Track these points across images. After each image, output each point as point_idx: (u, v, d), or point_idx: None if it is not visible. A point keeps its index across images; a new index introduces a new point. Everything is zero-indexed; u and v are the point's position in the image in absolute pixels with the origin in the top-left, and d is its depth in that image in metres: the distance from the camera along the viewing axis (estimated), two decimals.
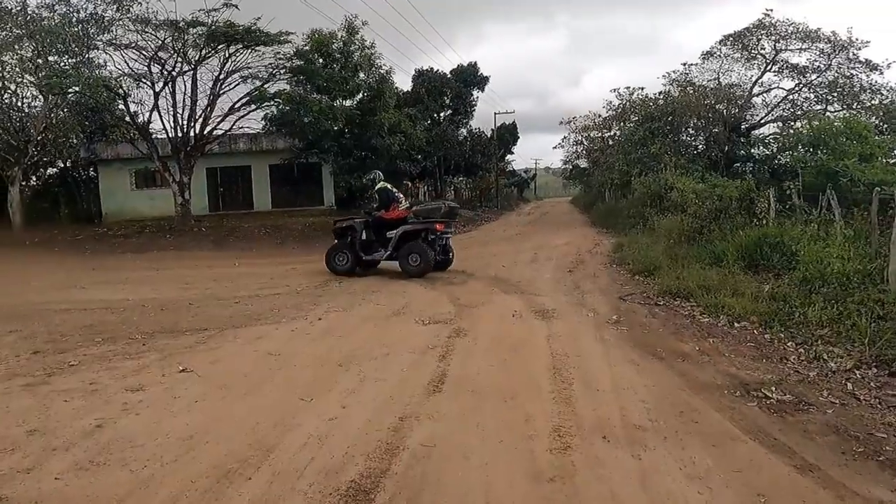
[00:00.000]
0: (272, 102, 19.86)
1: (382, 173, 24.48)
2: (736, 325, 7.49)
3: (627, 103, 29.10)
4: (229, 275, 12.88)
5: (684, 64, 27.66)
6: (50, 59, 18.90)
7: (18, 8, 18.10)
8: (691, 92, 25.68)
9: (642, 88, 28.74)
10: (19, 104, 20.30)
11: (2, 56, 18.11)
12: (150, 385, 5.60)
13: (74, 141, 22.57)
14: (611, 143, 31.63)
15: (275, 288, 10.79)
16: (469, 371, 5.94)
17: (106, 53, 18.76)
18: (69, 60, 19.06)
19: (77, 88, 17.81)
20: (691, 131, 25.90)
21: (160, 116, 19.53)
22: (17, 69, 18.94)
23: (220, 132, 20.39)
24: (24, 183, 27.22)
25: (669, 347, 6.71)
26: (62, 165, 28.75)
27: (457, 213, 13.20)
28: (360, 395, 5.29)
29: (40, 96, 20.07)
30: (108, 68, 19.31)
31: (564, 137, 41.30)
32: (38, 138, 20.23)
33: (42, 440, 4.43)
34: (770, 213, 11.91)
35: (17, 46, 18.24)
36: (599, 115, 34.77)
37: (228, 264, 14.76)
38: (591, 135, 36.69)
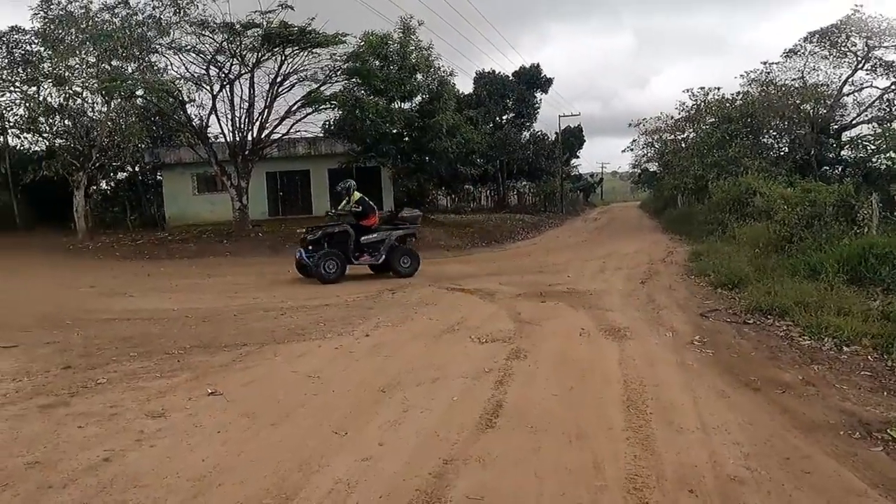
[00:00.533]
0: (328, 105, 19.54)
1: (438, 177, 24.37)
2: (845, 349, 6.41)
3: (702, 104, 27.73)
4: (280, 282, 12.48)
5: (764, 63, 25.95)
6: (114, 63, 19.13)
7: (82, 12, 18.39)
8: (773, 91, 24.03)
9: (718, 88, 27.35)
10: (87, 109, 20.66)
11: (68, 61, 18.42)
12: (174, 410, 5.06)
13: (141, 146, 22.95)
14: (684, 145, 30.09)
15: (325, 298, 10.25)
16: (528, 401, 5.15)
17: (165, 57, 18.85)
18: (132, 65, 19.26)
19: (140, 92, 18.01)
20: (773, 133, 24.23)
21: (218, 120, 19.59)
22: (83, 74, 19.22)
23: (277, 136, 20.25)
24: (94, 188, 28.07)
25: (765, 376, 5.74)
26: (131, 170, 29.53)
27: None
28: (402, 430, 4.59)
29: (106, 100, 20.33)
30: (168, 72, 19.39)
31: (634, 140, 39.78)
32: (104, 143, 20.53)
33: (40, 475, 3.92)
34: (873, 221, 10.58)
35: (81, 51, 18.52)
36: (671, 117, 33.29)
37: (282, 271, 14.38)
38: (663, 137, 35.07)
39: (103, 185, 29.81)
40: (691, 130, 29.45)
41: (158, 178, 27.50)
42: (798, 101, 23.22)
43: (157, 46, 18.60)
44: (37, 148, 22.59)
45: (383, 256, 12.57)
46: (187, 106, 20.10)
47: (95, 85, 18.99)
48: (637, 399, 5.17)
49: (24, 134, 21.73)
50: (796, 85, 24.23)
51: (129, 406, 5.19)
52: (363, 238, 12.50)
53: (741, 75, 25.77)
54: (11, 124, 21.10)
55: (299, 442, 4.39)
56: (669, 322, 8.05)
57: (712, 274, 11.19)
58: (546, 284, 11.21)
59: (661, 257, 15.58)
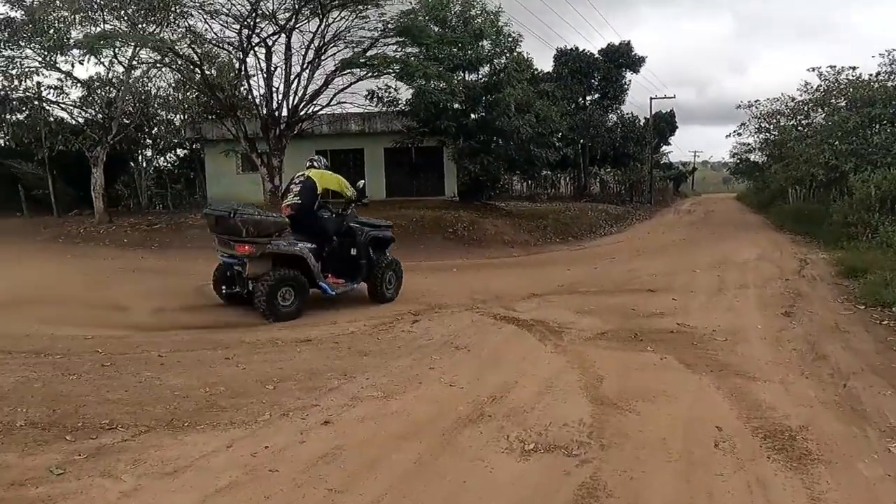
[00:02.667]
0: (371, 69, 16.21)
1: (511, 161, 20.89)
2: None
3: (833, 85, 23.18)
4: None
5: None
6: (149, 28, 16.81)
7: None
8: None
9: (854, 68, 22.92)
10: (114, 79, 18.42)
11: (97, 27, 15.98)
12: None
13: (195, 120, 20.88)
14: (809, 131, 25.41)
15: (313, 326, 7.05)
16: None
17: (204, 23, 16.17)
18: (167, 30, 16.83)
19: (165, 59, 15.56)
20: None
21: (250, 91, 16.82)
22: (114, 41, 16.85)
23: (316, 108, 17.25)
24: (144, 165, 26.47)
25: None
26: (188, 148, 27.81)
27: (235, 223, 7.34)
28: None
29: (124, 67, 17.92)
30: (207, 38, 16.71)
31: (742, 124, 34.65)
32: (130, 114, 18.20)
33: None
34: None
35: (113, 17, 16.15)
36: (792, 98, 28.42)
37: None
38: (781, 122, 30.11)
39: (160, 162, 28.50)
40: (821, 115, 24.79)
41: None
42: None
43: (192, 11, 15.96)
44: (71, 121, 20.64)
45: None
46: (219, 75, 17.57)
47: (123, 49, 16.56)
48: None
49: (52, 105, 19.75)
50: None
51: None
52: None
53: (881, 54, 20.88)
54: (38, 94, 19.15)
55: None
56: (880, 411, 4.44)
57: None
58: (642, 313, 7.61)
59: (795, 268, 11.62)
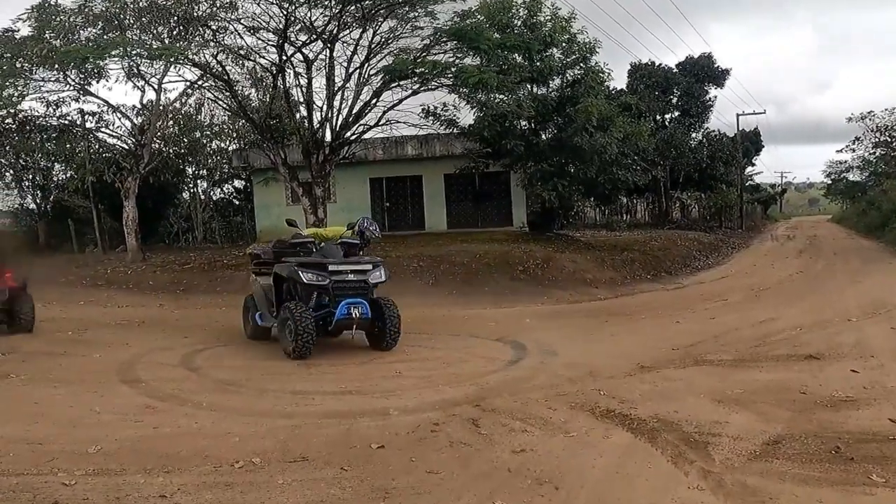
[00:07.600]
0: (419, 80, 13.98)
1: (591, 185, 18.49)
2: None
3: None
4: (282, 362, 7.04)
5: None
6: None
7: None
8: None
9: None
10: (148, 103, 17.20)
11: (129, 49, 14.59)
12: None
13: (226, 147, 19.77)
14: None
15: (317, 430, 4.77)
16: None
17: (241, 38, 14.62)
18: (208, 50, 15.44)
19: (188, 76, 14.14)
20: None
21: (290, 112, 15.01)
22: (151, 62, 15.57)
23: (363, 128, 15.24)
24: (202, 197, 25.43)
25: None
26: (247, 178, 26.81)
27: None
28: None
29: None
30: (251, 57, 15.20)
31: (857, 139, 31.26)
32: (156, 142, 16.97)
33: None
34: None
35: (139, 33, 14.81)
36: None
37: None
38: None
39: (218, 193, 27.61)
40: None
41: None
42: None
43: (227, 24, 14.45)
44: (120, 148, 19.73)
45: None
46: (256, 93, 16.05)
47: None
48: None
49: (90, 133, 18.71)
50: None
51: None
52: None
53: None
54: (81, 122, 18.29)
55: None
56: None
57: None
58: (820, 399, 4.93)
59: None
